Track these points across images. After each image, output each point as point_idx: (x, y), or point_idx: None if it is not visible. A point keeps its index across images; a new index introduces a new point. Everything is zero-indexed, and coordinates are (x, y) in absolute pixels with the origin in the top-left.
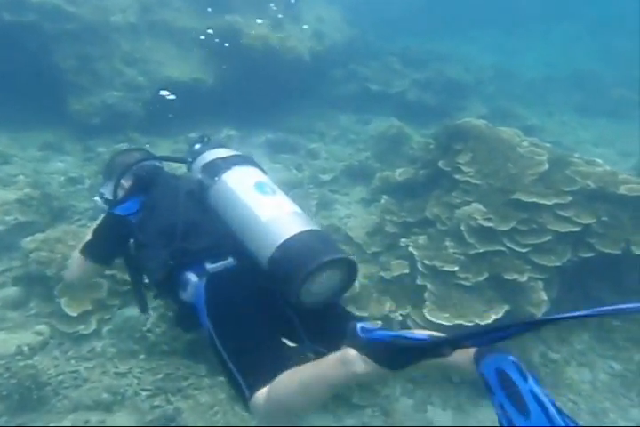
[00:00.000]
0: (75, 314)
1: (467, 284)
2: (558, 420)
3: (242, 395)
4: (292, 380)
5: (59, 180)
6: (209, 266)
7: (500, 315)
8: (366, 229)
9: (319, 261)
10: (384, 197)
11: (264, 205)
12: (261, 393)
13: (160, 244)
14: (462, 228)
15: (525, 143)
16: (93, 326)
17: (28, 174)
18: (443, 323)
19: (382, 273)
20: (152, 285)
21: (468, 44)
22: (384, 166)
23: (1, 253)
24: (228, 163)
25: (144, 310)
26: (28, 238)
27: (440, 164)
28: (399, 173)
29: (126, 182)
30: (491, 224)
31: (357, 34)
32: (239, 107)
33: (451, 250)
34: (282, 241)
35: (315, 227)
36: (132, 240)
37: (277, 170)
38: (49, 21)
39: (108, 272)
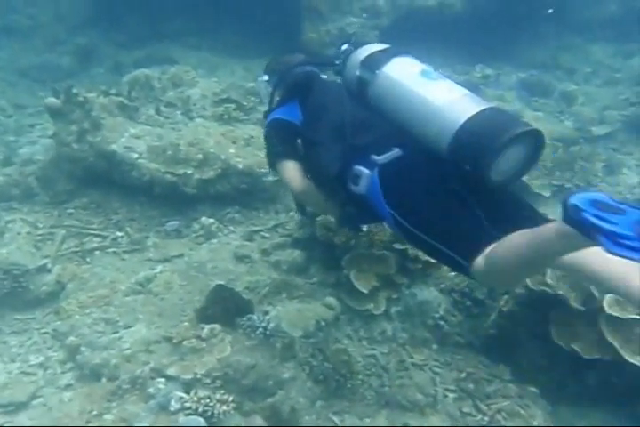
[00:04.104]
0: (366, 291)
1: None
2: None
3: (458, 266)
4: (515, 246)
5: None
6: (376, 158)
7: None
8: None
9: (511, 134)
10: None
11: (435, 89)
12: (479, 262)
13: (332, 140)
14: None
15: None
16: (383, 306)
17: None
18: None
19: None
20: (324, 181)
21: None
22: None
23: (267, 204)
24: (387, 55)
25: (303, 212)
26: None
27: None
28: None
29: (282, 88)
30: None
31: None
32: (483, 36)
33: None
34: (464, 121)
35: (493, 105)
36: (299, 141)
37: (540, 119)
38: None
39: (397, 246)
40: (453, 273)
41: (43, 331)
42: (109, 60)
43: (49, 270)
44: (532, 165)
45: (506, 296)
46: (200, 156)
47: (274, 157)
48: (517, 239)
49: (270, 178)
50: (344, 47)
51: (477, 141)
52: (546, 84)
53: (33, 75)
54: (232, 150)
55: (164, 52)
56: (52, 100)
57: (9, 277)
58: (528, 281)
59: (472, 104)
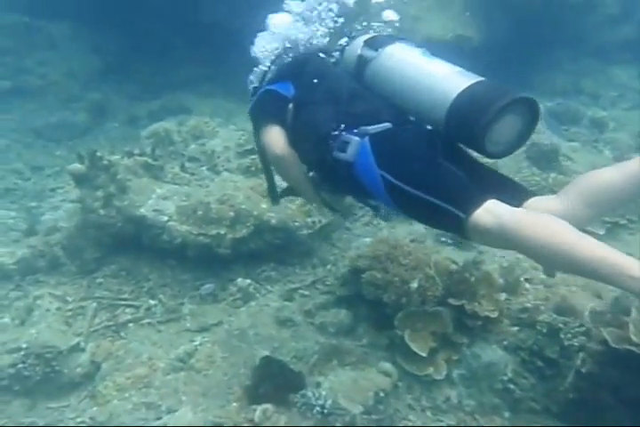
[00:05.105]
0: (424, 354)
1: None
2: None
3: (455, 220)
4: (543, 225)
5: None
6: (367, 128)
7: None
8: None
9: (505, 100)
10: None
11: (434, 65)
12: (481, 216)
13: (327, 102)
14: None
15: None
16: (444, 370)
17: None
18: None
19: None
20: (311, 140)
21: None
22: None
23: (302, 258)
24: (390, 38)
25: (275, 198)
26: (354, 253)
27: None
28: None
29: (276, 67)
30: None
31: None
32: (502, 68)
33: None
34: (460, 91)
35: (486, 79)
36: (290, 106)
37: (577, 150)
38: None
39: (452, 301)
40: (516, 328)
41: (79, 420)
42: (123, 113)
43: (82, 349)
44: (527, 136)
45: (582, 354)
46: (232, 213)
47: (259, 121)
48: (557, 227)
49: (305, 231)
50: (343, 40)
51: (472, 109)
52: (574, 112)
53: (48, 134)
54: (264, 205)
55: (178, 102)
56: (75, 166)
57: (41, 362)
58: (608, 337)
59: (467, 77)
